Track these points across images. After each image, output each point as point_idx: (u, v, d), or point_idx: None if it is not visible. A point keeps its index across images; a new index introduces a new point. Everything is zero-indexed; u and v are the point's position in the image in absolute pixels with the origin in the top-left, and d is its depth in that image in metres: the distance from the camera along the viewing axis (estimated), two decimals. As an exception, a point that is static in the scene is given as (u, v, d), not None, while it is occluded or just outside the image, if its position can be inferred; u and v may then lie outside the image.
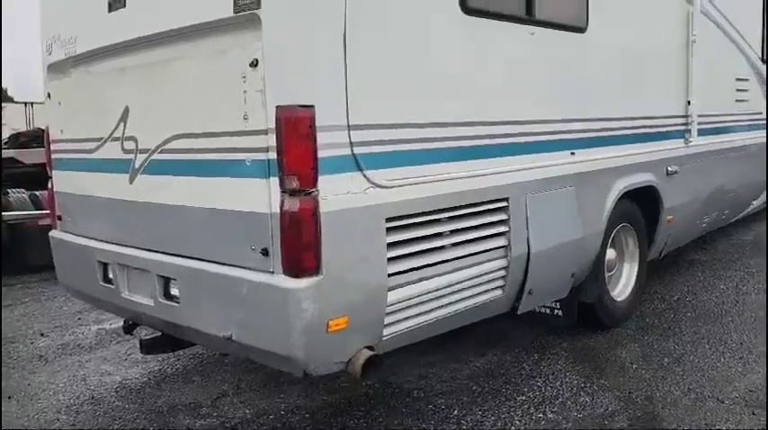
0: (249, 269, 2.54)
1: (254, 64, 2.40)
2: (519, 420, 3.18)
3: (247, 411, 3.41)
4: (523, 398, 3.41)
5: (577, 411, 3.25)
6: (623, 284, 4.59)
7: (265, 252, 2.47)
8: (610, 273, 4.44)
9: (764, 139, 6.60)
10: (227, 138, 2.56)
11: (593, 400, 3.36)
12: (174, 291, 2.92)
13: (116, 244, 3.23)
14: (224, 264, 2.67)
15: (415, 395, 3.48)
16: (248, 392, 3.63)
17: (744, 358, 3.82)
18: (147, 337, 3.51)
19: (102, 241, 3.33)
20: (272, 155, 2.39)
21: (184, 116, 2.78)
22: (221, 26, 2.52)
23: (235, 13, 2.43)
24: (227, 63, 2.52)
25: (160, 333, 3.43)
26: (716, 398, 3.33)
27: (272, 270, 2.46)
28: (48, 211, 4.90)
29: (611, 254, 4.40)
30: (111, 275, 3.30)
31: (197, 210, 2.75)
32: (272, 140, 2.38)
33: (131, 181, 3.08)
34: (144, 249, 3.05)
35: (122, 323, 3.73)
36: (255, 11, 2.36)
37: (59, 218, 3.75)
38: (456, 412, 3.28)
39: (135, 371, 4.04)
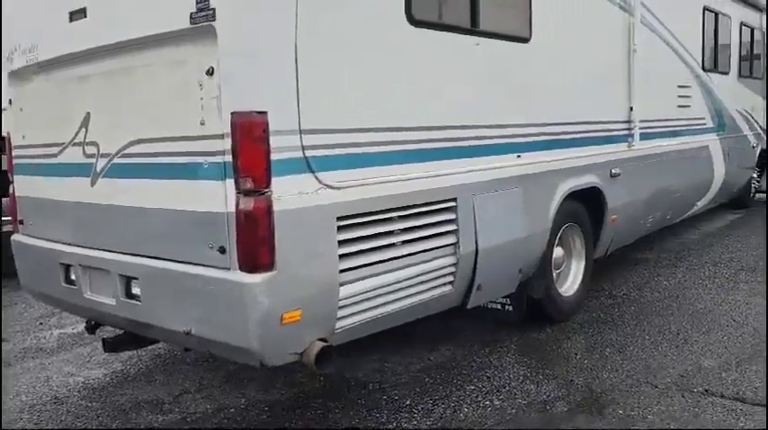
0: (207, 266, 2.68)
1: (210, 72, 2.54)
2: (467, 408, 3.37)
3: (208, 406, 3.53)
4: (473, 387, 3.61)
5: (522, 398, 3.46)
6: (571, 281, 4.84)
7: (222, 250, 2.61)
8: (558, 271, 4.69)
9: (706, 143, 6.99)
10: (185, 143, 2.70)
11: (537, 388, 3.57)
12: (136, 290, 3.03)
13: (78, 246, 3.32)
14: (183, 262, 2.79)
15: (371, 387, 3.65)
16: (209, 389, 3.75)
17: (679, 347, 4.09)
18: (110, 336, 3.61)
19: (64, 243, 3.42)
20: (228, 158, 2.54)
21: (144, 121, 2.90)
22: (179, 36, 2.65)
23: (191, 24, 2.57)
24: (185, 71, 2.66)
25: (122, 332, 3.53)
26: (651, 383, 3.57)
27: (228, 266, 2.60)
28: (5, 218, 4.93)
29: (558, 252, 4.65)
30: (73, 277, 3.39)
31: (156, 211, 2.88)
32: (227, 144, 2.53)
33: (93, 184, 3.19)
34: (105, 250, 3.15)
35: (85, 323, 3.81)
36: (211, 22, 2.51)
37: (21, 222, 3.81)
38: (408, 402, 3.45)
39: (98, 371, 4.12)
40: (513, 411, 3.31)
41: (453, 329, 4.47)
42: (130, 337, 3.51)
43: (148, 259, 2.94)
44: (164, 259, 2.88)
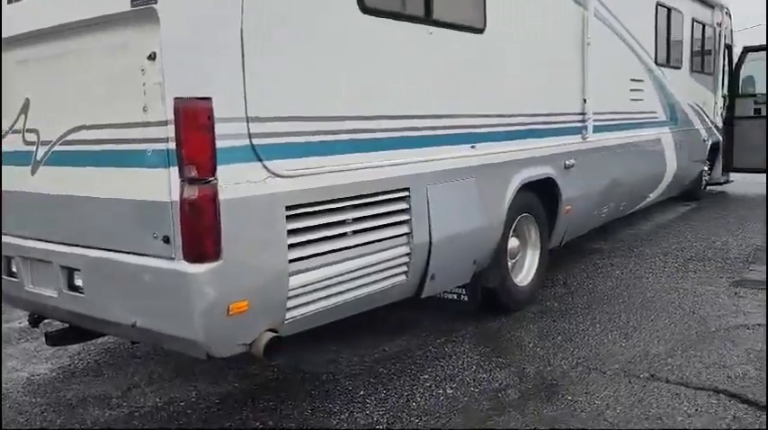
0: (151, 256, 2.62)
1: (152, 57, 2.47)
2: (420, 397, 3.38)
3: (158, 400, 3.46)
4: (426, 376, 3.62)
5: (475, 386, 3.48)
6: (526, 271, 4.89)
7: (167, 239, 2.55)
8: (513, 260, 4.73)
9: (658, 136, 7.15)
10: (128, 130, 2.63)
11: (489, 376, 3.60)
12: (79, 282, 2.95)
13: (19, 236, 3.21)
14: (127, 252, 2.72)
15: (324, 378, 3.63)
16: (160, 382, 3.68)
17: (628, 334, 4.17)
18: (53, 330, 3.50)
19: (4, 234, 3.30)
20: (172, 145, 2.48)
21: (85, 108, 2.81)
22: (120, 19, 2.57)
23: (132, 7, 2.49)
24: (127, 56, 2.58)
25: (67, 325, 3.43)
26: (599, 370, 3.64)
27: (173, 256, 2.54)
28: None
29: (514, 242, 4.69)
30: (14, 269, 3.28)
31: (99, 200, 2.80)
32: (171, 131, 2.46)
33: (33, 173, 3.08)
34: (47, 241, 3.05)
35: (28, 317, 3.69)
36: (152, 5, 2.44)
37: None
38: (362, 392, 3.44)
39: (44, 366, 4.00)
40: (465, 399, 3.34)
41: (409, 320, 4.49)
42: (75, 331, 3.41)
43: (91, 250, 2.86)
44: (107, 249, 2.81)
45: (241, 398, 3.44)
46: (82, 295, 2.93)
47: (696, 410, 3.12)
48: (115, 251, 2.77)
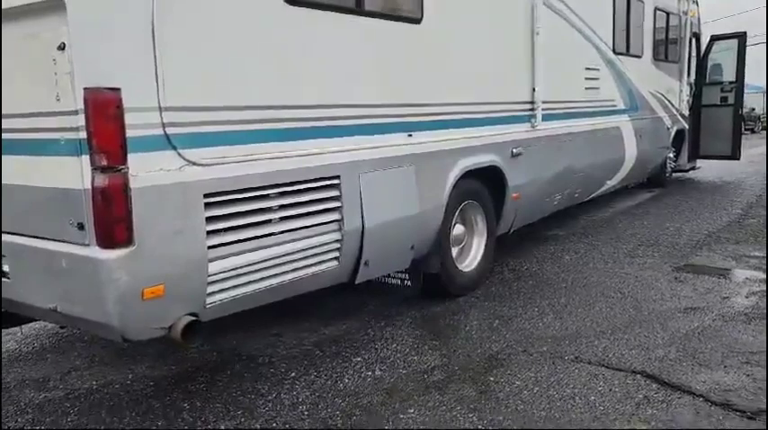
0: (68, 243, 2.69)
1: (62, 47, 2.52)
2: (348, 379, 3.48)
3: (94, 382, 3.55)
4: (359, 359, 3.72)
5: (404, 368, 3.59)
6: (472, 256, 4.99)
7: (81, 226, 2.62)
8: (459, 247, 4.84)
9: (616, 124, 7.24)
10: (43, 119, 2.68)
11: (420, 358, 3.71)
12: (5, 268, 3.01)
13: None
14: (48, 239, 2.79)
15: (260, 361, 3.73)
16: (100, 365, 3.77)
17: (563, 318, 4.29)
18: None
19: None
20: (83, 134, 2.53)
21: (5, 97, 2.85)
22: (31, 10, 2.62)
23: (41, -4, 2.54)
24: (38, 46, 2.62)
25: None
26: (527, 352, 3.75)
27: (87, 243, 2.62)
28: None
29: (459, 229, 4.79)
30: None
31: (18, 187, 2.86)
32: (81, 120, 2.52)
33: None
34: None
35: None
36: (59, -5, 2.49)
37: None
38: (293, 374, 3.54)
39: (-12, 351, 4.08)
40: (392, 380, 3.44)
41: (356, 303, 4.59)
42: (6, 316, 3.47)
43: (15, 236, 2.92)
44: (31, 236, 2.87)
45: (175, 380, 3.53)
46: (8, 280, 3.00)
47: (609, 390, 3.24)
48: (38, 238, 2.84)
